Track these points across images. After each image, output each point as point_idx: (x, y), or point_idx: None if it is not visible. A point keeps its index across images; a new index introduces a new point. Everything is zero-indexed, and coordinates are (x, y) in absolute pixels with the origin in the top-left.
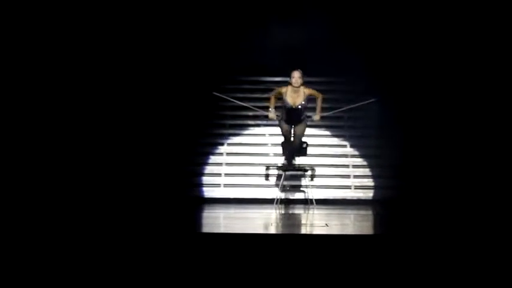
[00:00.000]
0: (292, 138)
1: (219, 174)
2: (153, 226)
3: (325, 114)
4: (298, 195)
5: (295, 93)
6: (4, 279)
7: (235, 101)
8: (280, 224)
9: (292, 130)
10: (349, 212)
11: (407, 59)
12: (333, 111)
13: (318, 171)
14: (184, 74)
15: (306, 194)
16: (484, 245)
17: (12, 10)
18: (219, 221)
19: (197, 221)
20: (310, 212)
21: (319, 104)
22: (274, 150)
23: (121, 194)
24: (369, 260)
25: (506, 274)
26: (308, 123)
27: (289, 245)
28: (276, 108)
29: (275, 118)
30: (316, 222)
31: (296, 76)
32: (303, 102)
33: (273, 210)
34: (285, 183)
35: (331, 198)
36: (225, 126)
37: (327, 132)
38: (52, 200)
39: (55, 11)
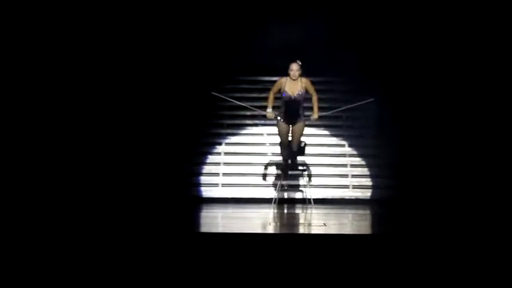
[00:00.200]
0: (290, 138)
1: (217, 174)
2: (152, 226)
3: (323, 114)
4: (296, 195)
5: (294, 84)
6: (4, 279)
7: (233, 100)
8: (278, 224)
9: (290, 130)
10: (347, 211)
11: (405, 58)
12: (332, 111)
13: (316, 170)
14: (183, 74)
15: (304, 193)
16: (482, 244)
17: (12, 10)
18: (217, 221)
19: (195, 220)
20: (308, 211)
21: (315, 104)
22: (272, 150)
23: (120, 194)
24: (367, 260)
25: (505, 273)
26: (306, 122)
27: (288, 244)
28: (273, 107)
29: (273, 117)
30: (314, 222)
31: (294, 69)
32: (301, 91)
33: (271, 210)
34: (283, 182)
35: (329, 197)
36: (223, 126)
37: (325, 132)
38: (51, 199)
39: (55, 11)
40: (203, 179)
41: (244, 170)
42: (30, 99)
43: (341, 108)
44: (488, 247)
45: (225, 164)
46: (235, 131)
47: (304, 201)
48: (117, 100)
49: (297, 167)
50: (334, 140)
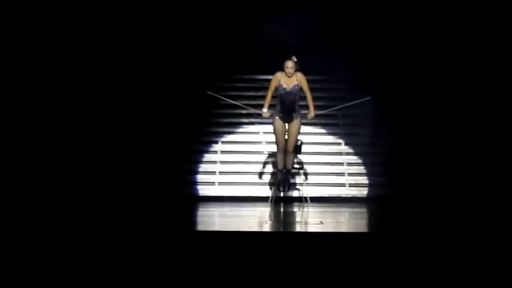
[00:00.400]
0: (286, 137)
1: (213, 173)
2: (148, 224)
3: (320, 112)
4: (292, 193)
5: (289, 78)
6: (3, 279)
7: (227, 99)
8: (274, 222)
9: (287, 130)
10: (344, 209)
11: (401, 56)
12: (329, 110)
13: (313, 169)
14: (179, 72)
15: (301, 191)
16: (478, 242)
17: (12, 10)
18: (213, 219)
19: (192, 219)
20: (305, 209)
21: (310, 102)
22: (268, 148)
23: (116, 192)
24: (364, 258)
25: (500, 271)
26: (303, 121)
27: (284, 242)
28: (269, 106)
29: (268, 116)
30: (311, 220)
31: (289, 66)
32: (297, 85)
33: (268, 208)
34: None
35: (325, 196)
36: (219, 125)
37: (322, 130)
38: (46, 197)
39: (51, 10)
40: (199, 178)
41: (241, 168)
42: (27, 98)
43: (338, 107)
44: (485, 244)
45: (222, 162)
46: (231, 130)
47: (301, 200)
48: (113, 99)
49: (293, 166)
50: (330, 139)
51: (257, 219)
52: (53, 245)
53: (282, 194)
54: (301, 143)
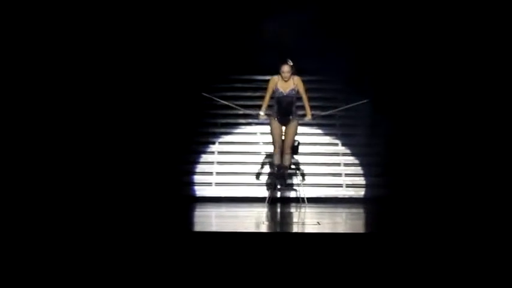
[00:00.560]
0: (283, 138)
1: (210, 173)
2: (145, 225)
3: (317, 113)
4: (289, 194)
5: (286, 82)
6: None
7: (222, 101)
8: (271, 223)
9: (284, 130)
10: (341, 210)
11: (397, 57)
12: (327, 112)
13: (310, 169)
14: (176, 73)
15: (298, 192)
16: (476, 242)
17: (12, 10)
18: (210, 220)
19: (189, 219)
20: (302, 210)
21: (306, 104)
22: (265, 149)
23: (113, 193)
24: (361, 258)
25: (497, 270)
26: (300, 122)
27: (281, 243)
28: (267, 107)
29: (264, 118)
30: (308, 221)
31: (285, 71)
32: (294, 88)
33: (265, 209)
34: (277, 181)
35: (322, 196)
36: (216, 125)
37: (319, 131)
38: (44, 197)
39: (51, 10)
40: (197, 178)
41: (238, 169)
42: (25, 98)
43: (335, 110)
44: (483, 244)
45: (219, 163)
46: (228, 130)
47: (298, 200)
48: (110, 99)
49: (290, 166)
50: (327, 139)
51: (254, 219)
52: (52, 245)
53: (278, 193)
54: (298, 143)
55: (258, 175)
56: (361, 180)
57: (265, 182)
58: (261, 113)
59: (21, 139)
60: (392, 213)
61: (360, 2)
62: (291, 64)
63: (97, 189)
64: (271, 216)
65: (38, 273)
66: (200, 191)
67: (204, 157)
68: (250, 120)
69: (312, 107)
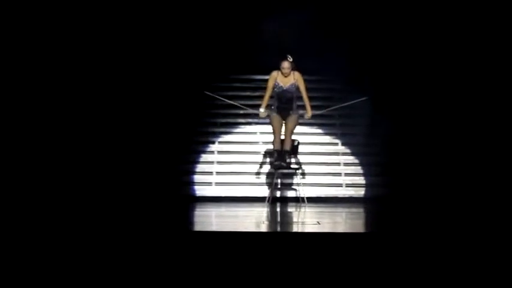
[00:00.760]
0: (283, 135)
1: (210, 173)
2: (145, 224)
3: (317, 112)
4: (289, 193)
5: (286, 77)
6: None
7: (225, 99)
8: (271, 222)
9: (284, 126)
10: (341, 210)
11: (397, 56)
12: (326, 110)
13: (310, 169)
14: (176, 72)
15: (298, 192)
16: (475, 241)
17: (12, 10)
18: (210, 220)
19: (189, 219)
20: (302, 210)
21: (306, 102)
22: (265, 149)
23: (113, 193)
24: (361, 258)
25: (497, 270)
26: (300, 120)
27: (281, 243)
28: (267, 106)
29: (265, 116)
30: (308, 220)
31: (285, 67)
32: (294, 83)
33: (265, 209)
34: (277, 181)
35: (322, 196)
36: (216, 125)
37: (319, 130)
38: (44, 197)
39: (51, 10)
40: (196, 178)
41: (238, 168)
42: (25, 99)
43: (335, 107)
44: (482, 244)
45: (219, 162)
46: (228, 130)
47: (298, 200)
48: (111, 99)
49: (290, 166)
50: (327, 139)
51: (254, 219)
52: (51, 245)
53: (278, 192)
54: (298, 143)
55: (257, 175)
56: (361, 180)
57: (265, 181)
58: (262, 110)
59: (22, 139)
60: (393, 212)
61: (359, 2)
62: (291, 60)
63: (97, 189)
64: (271, 216)
65: (38, 273)
66: (200, 191)
67: (204, 157)
68: (250, 120)
69: (312, 106)
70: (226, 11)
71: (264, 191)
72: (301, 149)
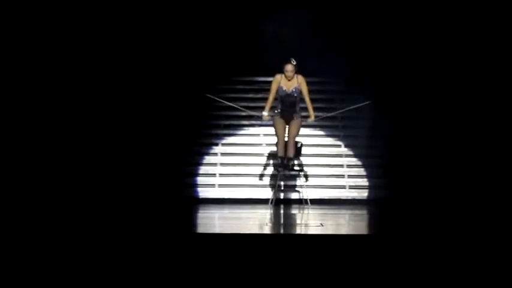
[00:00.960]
0: (286, 138)
1: (213, 175)
2: (148, 226)
3: (320, 114)
4: (292, 195)
5: (289, 81)
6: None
7: (227, 102)
8: (274, 224)
9: (287, 129)
10: (344, 211)
11: (399, 58)
12: (329, 114)
13: (313, 171)
14: (179, 74)
15: (301, 194)
16: (477, 243)
17: (12, 10)
18: (213, 221)
19: (192, 221)
20: (305, 212)
21: (309, 105)
22: (268, 151)
23: (116, 195)
24: (364, 260)
25: (497, 270)
26: (303, 123)
27: (284, 245)
28: (270, 108)
29: (268, 119)
30: (311, 222)
31: (289, 70)
32: (297, 87)
33: (268, 211)
34: (280, 183)
35: (325, 198)
36: (219, 127)
37: (322, 132)
38: (46, 198)
39: (51, 10)
40: (200, 180)
41: (241, 170)
42: (27, 99)
43: (338, 111)
44: (484, 246)
45: (222, 164)
46: (231, 132)
47: (301, 202)
48: (113, 101)
49: (294, 168)
50: (330, 141)
51: (257, 221)
52: (53, 246)
53: (282, 194)
54: (301, 145)
55: (261, 176)
56: (364, 182)
57: (268, 183)
58: (265, 113)
59: (23, 140)
60: (396, 214)
61: (360, 3)
62: (295, 63)
63: (100, 191)
64: (275, 218)
65: (38, 273)
66: (203, 193)
67: (207, 158)
68: (253, 122)
69: (314, 108)
70: (227, 13)
71: (267, 193)
72: (304, 151)
